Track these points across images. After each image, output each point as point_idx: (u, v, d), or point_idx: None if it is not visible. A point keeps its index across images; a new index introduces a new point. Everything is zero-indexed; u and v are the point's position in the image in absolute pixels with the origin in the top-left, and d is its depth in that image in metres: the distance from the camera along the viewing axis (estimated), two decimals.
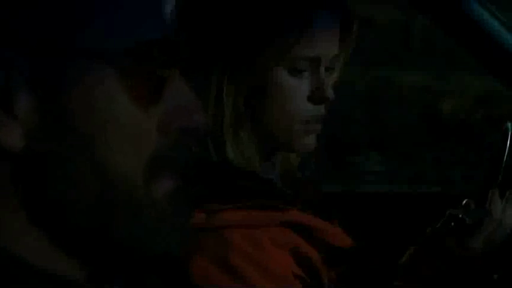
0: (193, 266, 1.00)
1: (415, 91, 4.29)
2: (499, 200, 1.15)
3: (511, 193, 1.16)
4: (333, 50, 1.10)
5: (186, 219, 0.60)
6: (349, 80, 4.04)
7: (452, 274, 1.16)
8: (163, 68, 0.56)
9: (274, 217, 1.07)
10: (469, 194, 1.23)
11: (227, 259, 1.00)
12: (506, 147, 1.24)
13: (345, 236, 1.17)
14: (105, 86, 0.54)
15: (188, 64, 0.60)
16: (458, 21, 1.38)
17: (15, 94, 0.52)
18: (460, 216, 1.13)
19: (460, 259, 1.15)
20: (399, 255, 1.21)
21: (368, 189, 2.72)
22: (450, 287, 1.18)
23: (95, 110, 0.53)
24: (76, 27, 0.53)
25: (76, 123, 0.53)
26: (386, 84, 4.29)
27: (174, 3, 0.58)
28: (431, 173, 3.87)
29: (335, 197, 1.55)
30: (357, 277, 1.21)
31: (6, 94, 0.52)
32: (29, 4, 0.52)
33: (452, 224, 1.13)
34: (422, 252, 1.18)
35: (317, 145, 1.15)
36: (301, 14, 1.06)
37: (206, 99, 1.06)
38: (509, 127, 1.26)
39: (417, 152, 4.01)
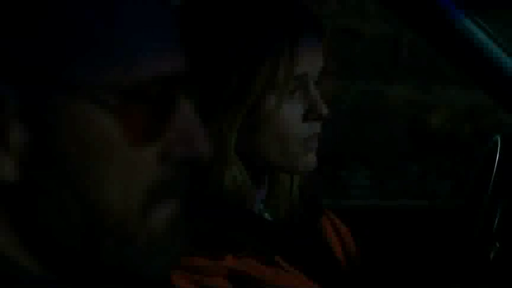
0: None
1: (403, 104, 4.30)
2: None
3: None
4: (318, 63, 1.09)
5: (179, 245, 0.59)
6: (336, 93, 4.04)
7: None
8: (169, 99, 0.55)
9: (222, 264, 1.02)
10: (456, 208, 1.21)
11: None
12: (495, 160, 1.23)
13: (307, 285, 1.11)
14: (99, 120, 0.53)
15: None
16: (446, 35, 1.37)
17: (7, 125, 0.51)
18: None
19: None
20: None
21: (354, 203, 2.71)
22: None
23: (86, 144, 0.53)
24: (74, 60, 0.52)
25: (67, 156, 0.52)
26: (374, 97, 4.30)
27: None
28: (419, 186, 3.87)
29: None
30: None
31: None
32: (26, 33, 0.51)
33: None
34: None
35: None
36: (287, 34, 1.04)
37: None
38: (498, 140, 1.25)
39: (404, 166, 4.01)
